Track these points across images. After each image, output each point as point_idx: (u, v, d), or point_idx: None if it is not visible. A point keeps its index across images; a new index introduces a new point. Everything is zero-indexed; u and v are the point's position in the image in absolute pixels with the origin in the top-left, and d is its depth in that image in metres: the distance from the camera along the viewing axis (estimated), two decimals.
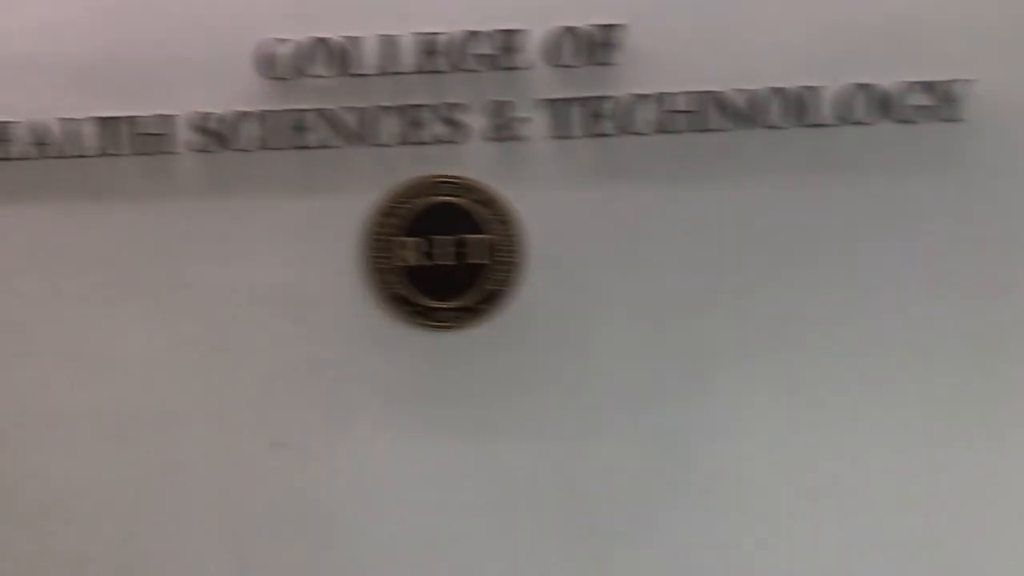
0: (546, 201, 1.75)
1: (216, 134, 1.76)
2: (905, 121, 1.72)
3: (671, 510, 1.79)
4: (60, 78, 1.76)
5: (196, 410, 1.80)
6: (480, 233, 1.76)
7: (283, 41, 1.74)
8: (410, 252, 1.77)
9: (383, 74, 1.74)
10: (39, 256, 1.78)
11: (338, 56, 1.74)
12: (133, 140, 1.76)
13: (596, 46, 1.72)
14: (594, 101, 1.73)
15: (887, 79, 1.72)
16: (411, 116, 1.75)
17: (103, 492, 1.81)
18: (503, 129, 1.74)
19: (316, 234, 1.77)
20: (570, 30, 1.72)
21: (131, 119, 1.76)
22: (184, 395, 1.80)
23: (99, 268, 1.78)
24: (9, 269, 1.78)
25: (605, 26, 1.71)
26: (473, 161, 1.75)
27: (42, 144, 1.76)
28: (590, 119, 1.73)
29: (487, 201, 1.75)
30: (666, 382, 1.78)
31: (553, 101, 1.74)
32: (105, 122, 1.76)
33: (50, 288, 1.78)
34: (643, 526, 1.79)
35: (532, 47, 1.73)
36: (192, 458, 1.81)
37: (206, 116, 1.76)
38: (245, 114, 1.76)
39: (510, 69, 1.73)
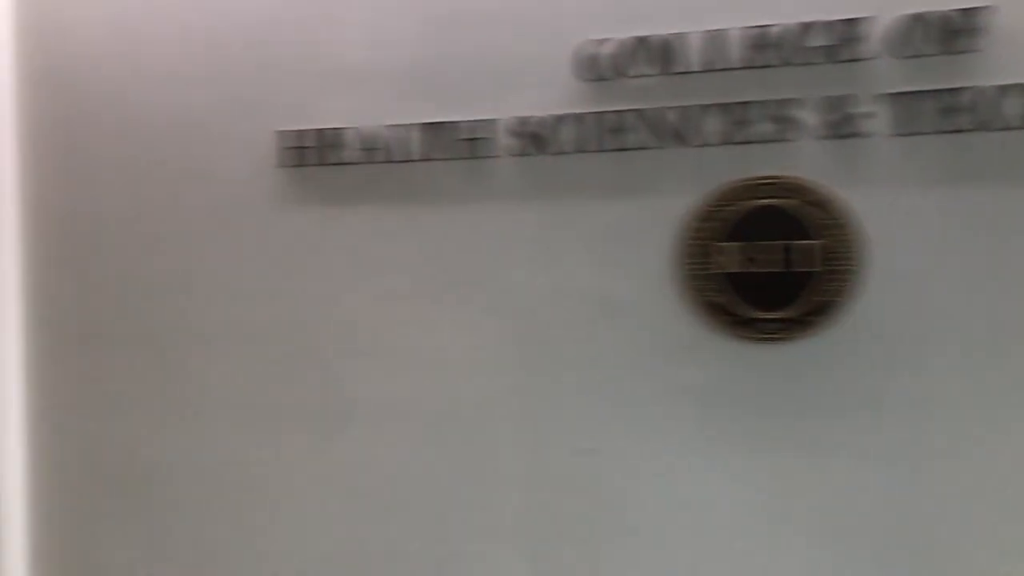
0: (889, 204, 1.60)
1: (534, 137, 1.75)
2: None
3: (1013, 547, 1.58)
4: (389, 86, 1.83)
5: (505, 412, 1.80)
6: (810, 238, 1.63)
7: (602, 41, 1.71)
8: (730, 258, 1.67)
9: (708, 71, 1.67)
10: (367, 257, 1.85)
11: (660, 54, 1.69)
12: (455, 145, 1.79)
13: (954, 32, 1.55)
14: (948, 94, 1.56)
15: None
16: (736, 114, 1.66)
17: (416, 487, 1.85)
18: (840, 126, 1.61)
19: (631, 238, 1.72)
20: (920, 16, 1.56)
21: (454, 124, 1.79)
22: (494, 396, 1.81)
23: (421, 269, 1.83)
24: (340, 269, 1.87)
25: (967, 10, 1.54)
26: (805, 160, 1.63)
27: (371, 150, 1.83)
28: (943, 114, 1.56)
29: (820, 203, 1.62)
30: (1018, 410, 1.57)
31: (899, 95, 1.58)
32: (429, 128, 1.80)
33: (376, 288, 1.85)
34: (980, 564, 1.59)
35: (876, 36, 1.59)
36: (498, 460, 1.81)
37: (525, 120, 1.76)
38: (562, 117, 1.74)
39: (850, 61, 1.60)
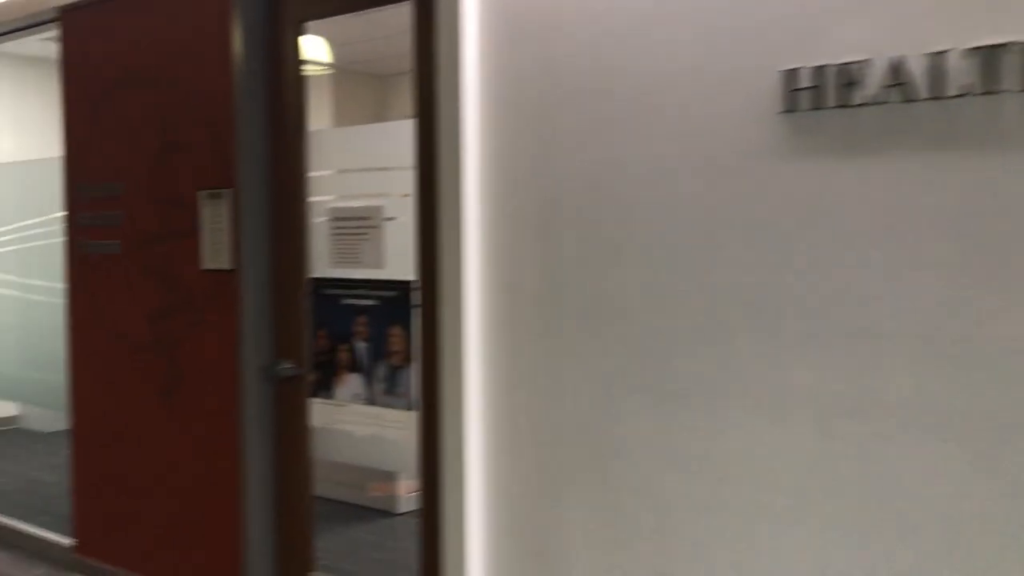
0: None
1: None
2: None
3: None
4: (922, 3, 1.48)
5: None
6: None
7: None
8: None
9: None
10: (893, 218, 1.55)
11: None
12: (1020, 73, 1.41)
13: None
14: None
15: None
16: None
17: (943, 509, 1.54)
18: None
19: None
20: None
21: (1018, 46, 1.40)
22: None
23: (967, 234, 1.48)
24: (857, 233, 1.58)
25: None
26: None
27: (900, 85, 1.51)
28: None
29: None
30: None
31: None
32: (982, 52, 1.43)
33: (902, 256, 1.54)
34: None
35: None
36: None
37: None
38: None
39: None
